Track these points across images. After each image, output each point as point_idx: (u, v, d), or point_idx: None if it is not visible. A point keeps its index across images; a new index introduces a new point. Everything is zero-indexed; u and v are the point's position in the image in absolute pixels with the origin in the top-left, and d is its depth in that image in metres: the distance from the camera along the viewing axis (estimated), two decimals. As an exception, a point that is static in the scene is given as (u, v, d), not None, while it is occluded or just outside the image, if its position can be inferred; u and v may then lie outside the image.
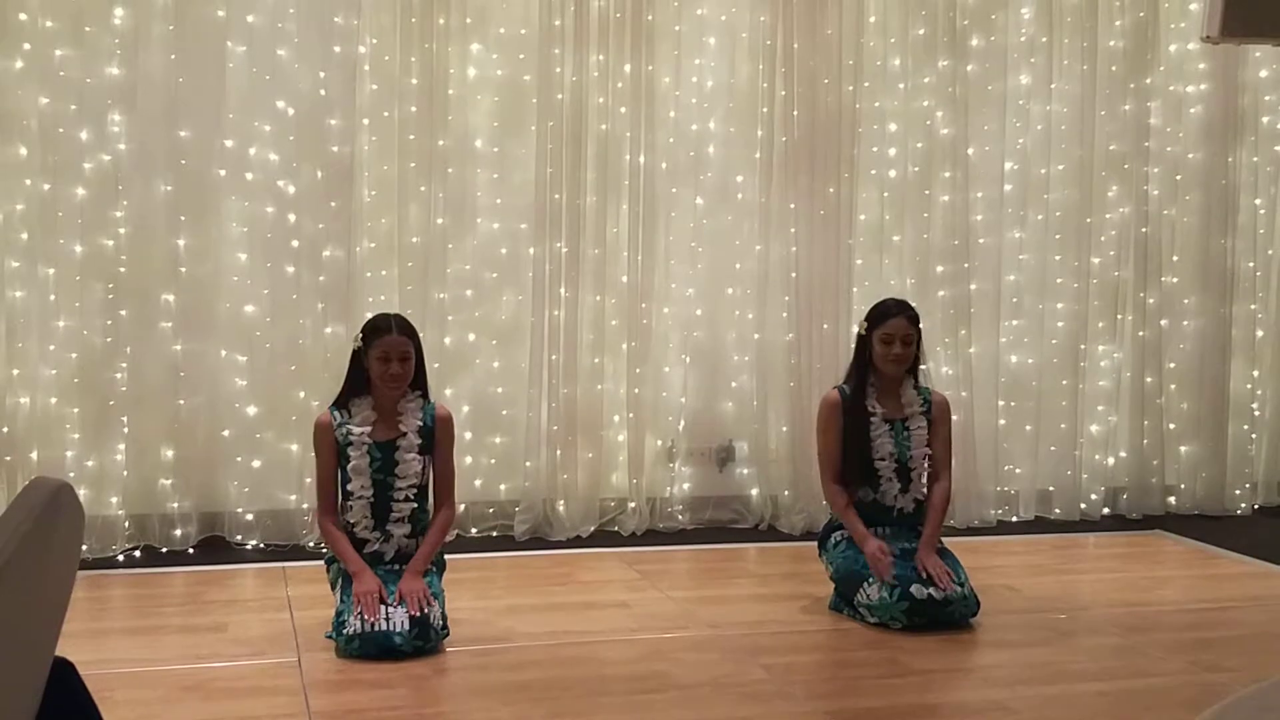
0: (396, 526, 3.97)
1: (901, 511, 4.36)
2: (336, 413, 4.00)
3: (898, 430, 4.36)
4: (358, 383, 4.00)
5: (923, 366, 4.51)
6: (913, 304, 4.49)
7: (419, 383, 4.05)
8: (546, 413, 5.44)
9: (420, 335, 4.08)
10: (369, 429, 3.96)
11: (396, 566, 3.95)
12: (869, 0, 5.75)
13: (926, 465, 4.40)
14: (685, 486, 5.74)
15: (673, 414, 5.71)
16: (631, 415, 5.56)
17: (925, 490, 4.40)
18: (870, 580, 4.16)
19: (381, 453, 3.96)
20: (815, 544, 4.56)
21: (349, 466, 3.95)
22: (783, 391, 5.73)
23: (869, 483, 4.35)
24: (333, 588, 3.97)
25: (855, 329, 4.48)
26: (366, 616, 3.72)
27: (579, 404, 5.47)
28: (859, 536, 4.28)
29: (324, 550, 4.24)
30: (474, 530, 5.44)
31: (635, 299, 5.52)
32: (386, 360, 3.92)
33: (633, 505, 5.55)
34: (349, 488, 3.97)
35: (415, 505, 4.00)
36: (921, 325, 4.43)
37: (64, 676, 1.54)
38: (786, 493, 5.70)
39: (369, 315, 4.21)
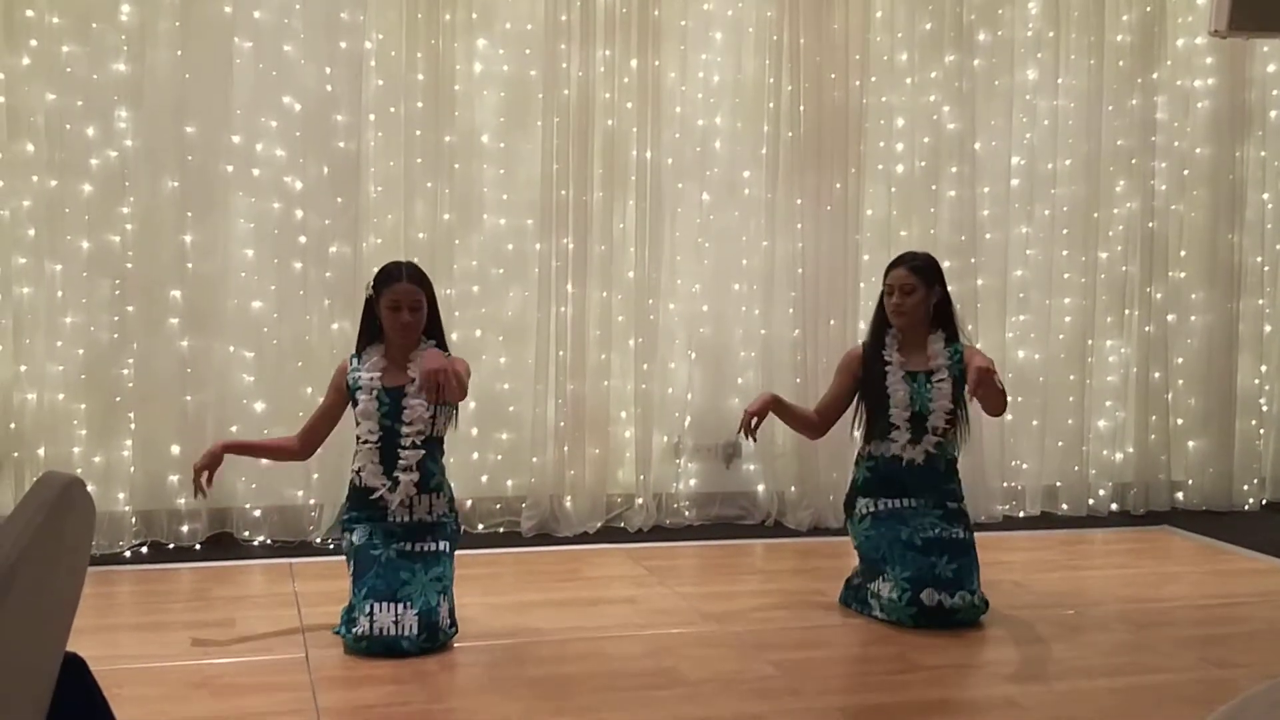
0: (405, 474, 3.91)
1: (911, 463, 4.27)
2: (354, 359, 4.00)
3: (919, 382, 4.28)
4: (371, 330, 3.99)
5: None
6: (934, 258, 4.43)
7: (435, 333, 4.02)
8: (553, 409, 5.43)
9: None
10: (378, 374, 3.94)
11: (409, 546, 3.89)
12: (875, -5, 5.75)
13: (949, 423, 4.29)
14: (692, 482, 5.73)
15: (679, 410, 5.71)
16: (638, 411, 5.55)
17: (940, 445, 4.28)
18: (885, 575, 4.13)
19: (390, 398, 3.92)
20: (823, 540, 4.54)
21: (358, 410, 3.94)
22: (789, 388, 5.70)
23: (885, 435, 4.30)
24: (347, 561, 3.94)
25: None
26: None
27: (586, 400, 5.46)
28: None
29: (331, 545, 4.24)
30: (481, 526, 5.44)
31: (642, 295, 5.52)
32: (397, 309, 3.89)
33: (639, 501, 5.55)
34: (358, 432, 3.96)
35: (424, 453, 3.93)
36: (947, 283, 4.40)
37: (75, 672, 1.54)
38: (793, 489, 5.69)
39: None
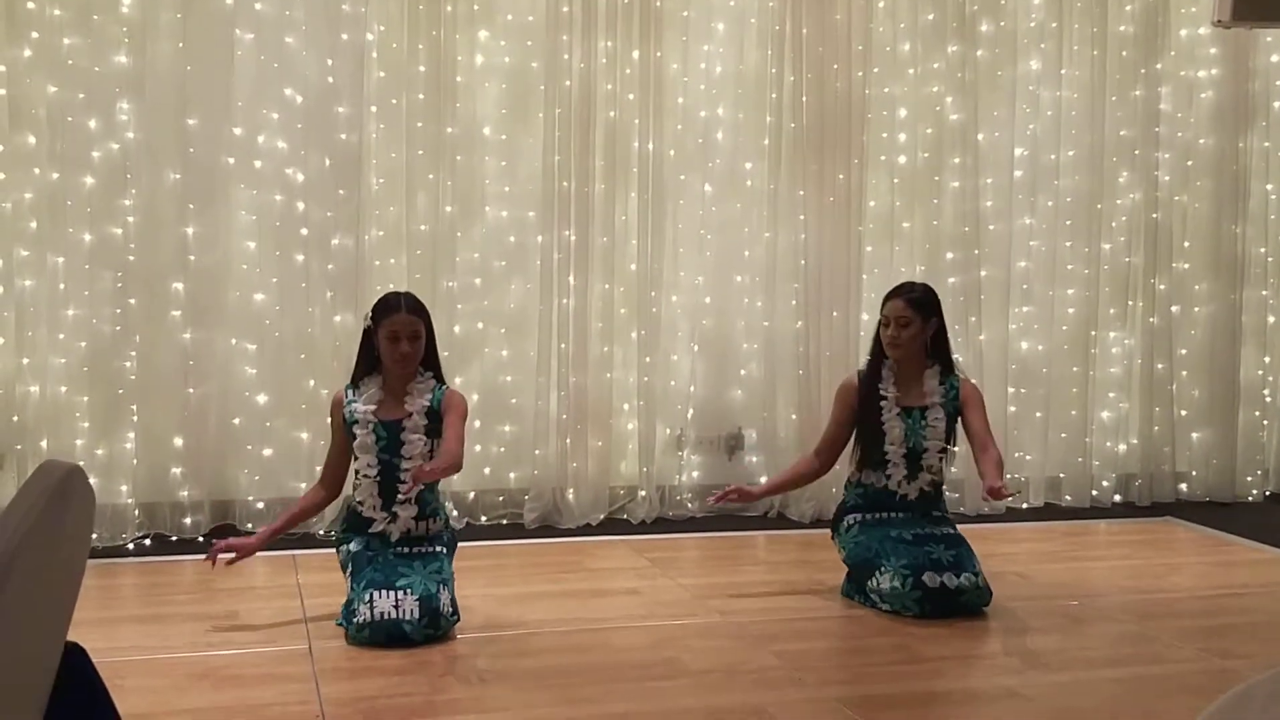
0: (403, 508, 3.93)
1: (904, 499, 4.31)
2: (350, 391, 4.00)
3: (913, 418, 4.31)
4: (369, 361, 3.99)
5: (957, 357, 4.47)
6: (933, 289, 4.44)
7: (432, 364, 4.03)
8: (556, 401, 5.43)
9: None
10: (374, 407, 3.94)
11: (406, 549, 3.93)
12: (878, -15, 5.74)
13: (941, 459, 4.36)
14: (694, 474, 5.73)
15: (681, 402, 5.70)
16: (641, 403, 5.55)
17: (934, 482, 4.36)
18: (882, 569, 4.14)
19: (387, 432, 3.93)
20: (825, 531, 4.55)
21: (355, 444, 3.94)
22: (791, 379, 5.71)
23: (879, 468, 4.33)
24: (343, 570, 3.96)
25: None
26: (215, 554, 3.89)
27: (588, 392, 5.46)
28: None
29: (334, 536, 4.24)
30: (484, 518, 5.44)
31: (644, 287, 5.51)
32: (396, 339, 3.89)
33: (642, 493, 5.55)
34: (356, 466, 3.97)
35: (422, 486, 3.93)
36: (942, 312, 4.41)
37: (76, 661, 1.54)
38: (796, 480, 5.68)
39: (378, 301, 4.21)
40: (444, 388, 4.03)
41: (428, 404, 3.96)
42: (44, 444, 4.85)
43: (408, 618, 3.68)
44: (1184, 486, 6.25)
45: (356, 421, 3.94)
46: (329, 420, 4.13)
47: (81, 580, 1.51)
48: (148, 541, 4.97)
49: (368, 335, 3.98)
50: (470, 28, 5.36)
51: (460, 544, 4.26)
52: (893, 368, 4.35)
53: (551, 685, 3.41)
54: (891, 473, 4.31)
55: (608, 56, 5.42)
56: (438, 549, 3.97)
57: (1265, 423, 6.39)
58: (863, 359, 4.57)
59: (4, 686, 1.23)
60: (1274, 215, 6.34)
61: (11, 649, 1.21)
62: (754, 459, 5.80)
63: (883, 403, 4.32)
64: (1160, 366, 6.13)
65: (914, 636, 3.90)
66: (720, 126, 5.68)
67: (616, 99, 5.44)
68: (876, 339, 4.40)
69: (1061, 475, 6.07)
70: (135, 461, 4.98)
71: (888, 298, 4.38)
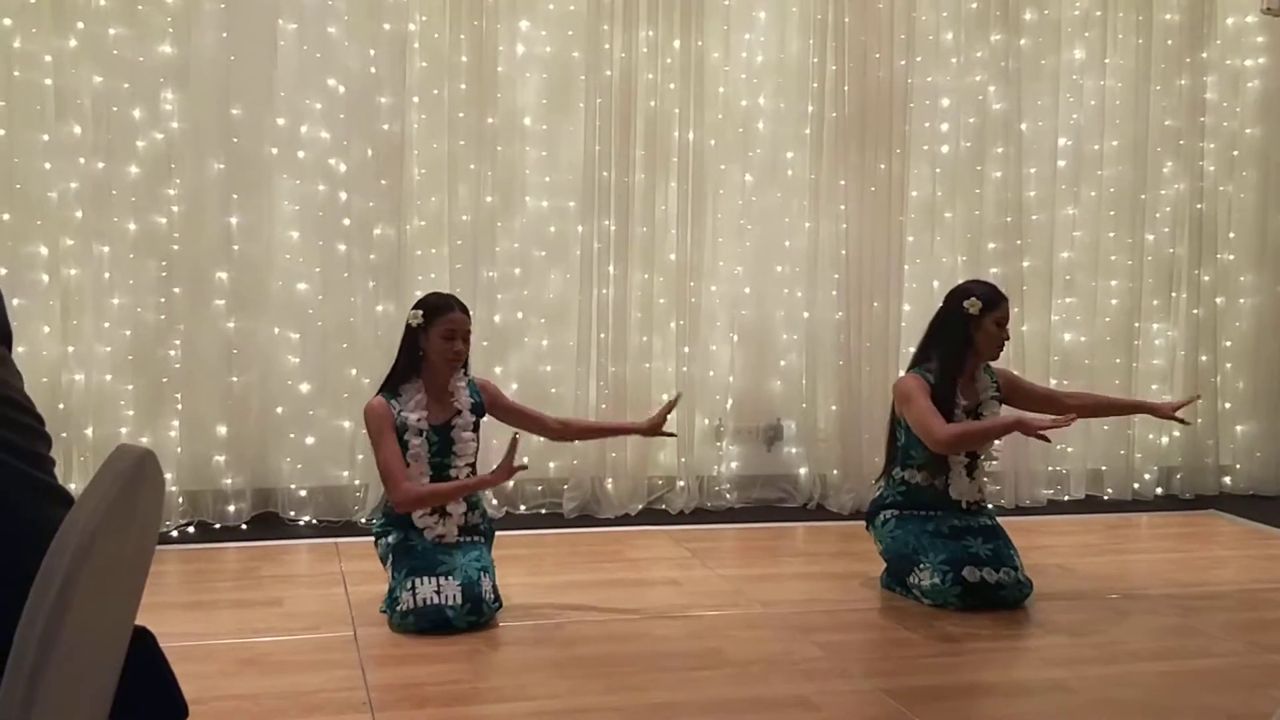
0: (454, 505, 3.94)
1: (967, 502, 4.26)
2: (393, 401, 3.94)
3: (972, 418, 4.24)
4: (413, 362, 3.97)
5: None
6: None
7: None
8: (595, 391, 5.43)
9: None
10: (425, 413, 3.93)
11: (462, 539, 3.93)
12: (921, -26, 5.70)
13: (993, 450, 4.38)
14: (733, 465, 5.72)
15: (721, 393, 5.70)
16: (680, 394, 5.53)
17: (986, 479, 4.35)
18: (922, 565, 4.11)
19: (438, 435, 3.94)
20: (863, 523, 4.53)
21: (408, 453, 3.90)
22: (832, 370, 5.69)
23: (941, 473, 4.25)
24: (383, 563, 3.98)
25: (966, 306, 4.17)
26: (518, 458, 3.79)
27: (627, 382, 5.46)
28: (999, 423, 4.10)
29: (374, 526, 4.25)
30: (523, 508, 5.45)
31: (684, 277, 5.50)
32: (451, 338, 3.90)
33: (681, 484, 5.55)
34: (408, 474, 3.93)
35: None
36: None
37: (144, 645, 1.56)
38: (835, 472, 5.67)
39: (419, 294, 4.23)
40: (472, 379, 4.08)
41: (472, 400, 4.00)
42: (89, 432, 4.90)
43: (450, 603, 3.70)
44: (1228, 480, 6.19)
45: (409, 429, 3.91)
46: (375, 429, 3.88)
47: (150, 565, 1.52)
48: (191, 529, 5.00)
49: (413, 334, 3.95)
50: (511, 17, 5.36)
51: (499, 533, 4.27)
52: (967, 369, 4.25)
53: (594, 674, 3.42)
54: (954, 481, 4.23)
55: (649, 46, 5.41)
56: (476, 539, 3.99)
57: (1311, 416, 6.33)
58: (905, 350, 4.53)
59: (77, 671, 1.24)
60: (1321, 206, 6.26)
61: (85, 632, 1.23)
62: (793, 450, 5.78)
63: (957, 410, 4.19)
64: (1204, 358, 6.07)
65: (957, 628, 3.89)
66: (761, 116, 5.66)
67: (657, 88, 5.43)
68: (957, 339, 4.19)
69: (1103, 468, 6.02)
70: (179, 449, 5.02)
71: (997, 300, 4.19)
